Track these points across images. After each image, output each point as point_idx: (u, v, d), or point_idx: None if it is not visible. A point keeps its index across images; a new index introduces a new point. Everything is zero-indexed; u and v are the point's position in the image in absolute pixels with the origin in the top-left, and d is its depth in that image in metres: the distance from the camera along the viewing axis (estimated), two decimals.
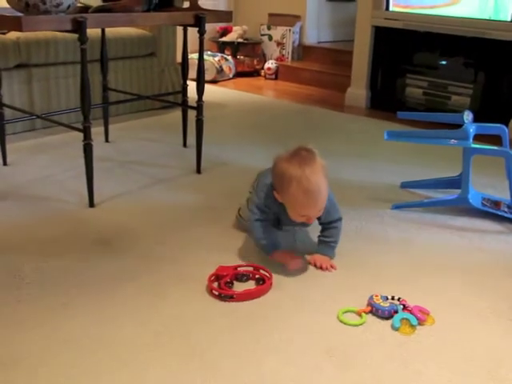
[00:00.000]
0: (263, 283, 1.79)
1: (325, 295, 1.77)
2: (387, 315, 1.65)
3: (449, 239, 2.20)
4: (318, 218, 1.93)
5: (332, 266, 1.91)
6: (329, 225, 1.96)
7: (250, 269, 1.88)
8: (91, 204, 2.34)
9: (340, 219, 1.97)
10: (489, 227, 2.32)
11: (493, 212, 2.36)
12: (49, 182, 2.61)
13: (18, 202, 2.38)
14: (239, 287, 1.77)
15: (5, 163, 2.79)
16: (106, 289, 1.76)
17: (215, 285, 1.77)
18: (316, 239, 2.02)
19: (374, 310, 1.67)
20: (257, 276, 1.84)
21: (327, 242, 1.97)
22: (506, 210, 2.37)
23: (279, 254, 1.90)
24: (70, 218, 2.25)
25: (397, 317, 1.63)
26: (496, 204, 2.41)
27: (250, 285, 1.81)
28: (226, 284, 1.76)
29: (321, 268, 1.90)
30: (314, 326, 1.62)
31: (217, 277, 1.80)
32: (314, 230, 2.03)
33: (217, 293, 1.73)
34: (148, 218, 2.28)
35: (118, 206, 2.37)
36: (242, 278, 1.82)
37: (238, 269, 1.86)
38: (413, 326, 1.61)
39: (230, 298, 1.71)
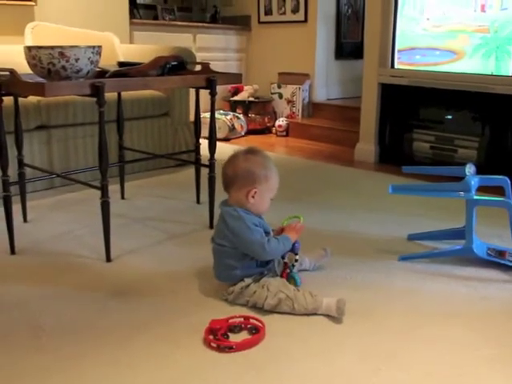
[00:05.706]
0: (256, 332, 1.85)
1: (330, 342, 1.82)
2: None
3: (454, 289, 2.25)
4: None
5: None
6: None
7: (241, 319, 1.93)
8: (108, 258, 2.43)
9: None
10: (494, 276, 2.36)
11: (498, 261, 2.41)
12: (67, 237, 2.70)
13: (38, 257, 2.47)
14: (233, 338, 1.82)
15: (25, 220, 2.89)
16: (121, 338, 1.83)
17: (211, 337, 1.81)
18: None
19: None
20: (249, 326, 1.89)
21: None
22: (511, 259, 2.42)
23: (290, 231, 2.13)
24: (87, 271, 2.34)
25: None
26: (501, 254, 2.46)
27: (244, 335, 1.85)
28: (222, 336, 1.81)
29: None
30: (319, 373, 1.66)
31: (211, 330, 1.84)
32: None
33: (215, 345, 1.77)
34: (162, 272, 2.35)
35: (133, 260, 2.46)
36: (235, 329, 1.87)
37: (230, 321, 1.91)
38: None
39: (229, 348, 1.76)
